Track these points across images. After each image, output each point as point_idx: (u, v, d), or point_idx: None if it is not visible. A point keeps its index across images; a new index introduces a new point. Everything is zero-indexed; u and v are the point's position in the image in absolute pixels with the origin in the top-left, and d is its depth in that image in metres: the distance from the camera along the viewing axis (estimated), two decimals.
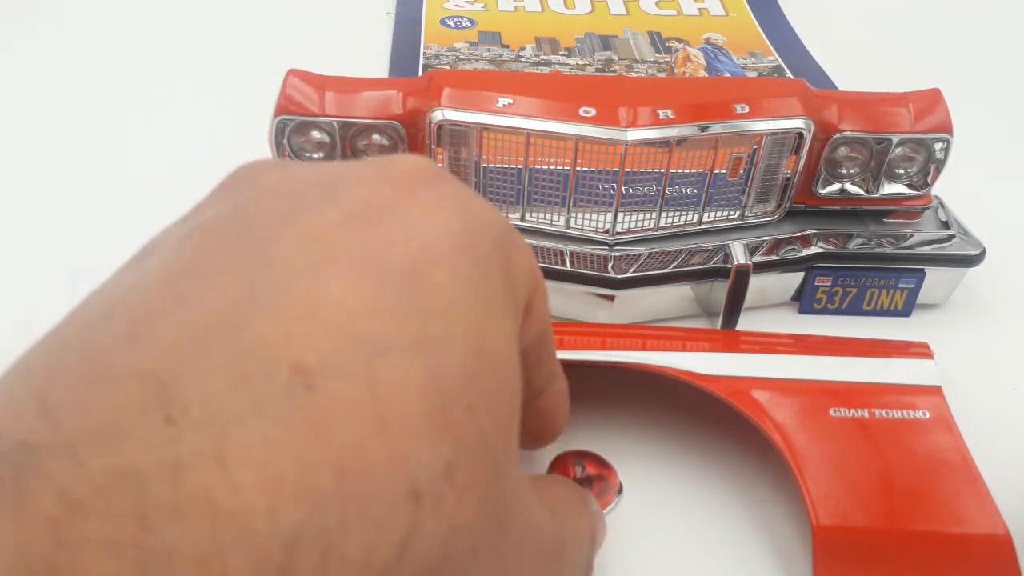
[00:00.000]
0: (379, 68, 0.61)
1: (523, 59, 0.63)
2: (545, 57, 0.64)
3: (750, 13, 0.72)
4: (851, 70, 0.63)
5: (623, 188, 0.37)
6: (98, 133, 0.52)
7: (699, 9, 0.72)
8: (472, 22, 0.68)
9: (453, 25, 0.68)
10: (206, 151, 0.51)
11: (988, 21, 0.75)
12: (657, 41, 0.67)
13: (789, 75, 0.63)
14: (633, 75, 0.62)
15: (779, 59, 0.65)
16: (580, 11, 0.71)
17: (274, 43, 0.63)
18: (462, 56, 0.63)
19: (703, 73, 0.63)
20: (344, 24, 0.57)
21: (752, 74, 0.63)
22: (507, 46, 0.65)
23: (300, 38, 0.64)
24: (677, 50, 0.66)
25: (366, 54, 0.62)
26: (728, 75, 0.63)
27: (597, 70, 0.62)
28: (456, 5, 0.71)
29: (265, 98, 0.38)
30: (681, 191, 0.38)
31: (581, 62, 0.63)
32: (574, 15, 0.71)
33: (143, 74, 0.59)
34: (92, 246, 0.43)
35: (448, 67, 0.61)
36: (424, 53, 0.63)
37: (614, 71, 0.62)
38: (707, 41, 0.68)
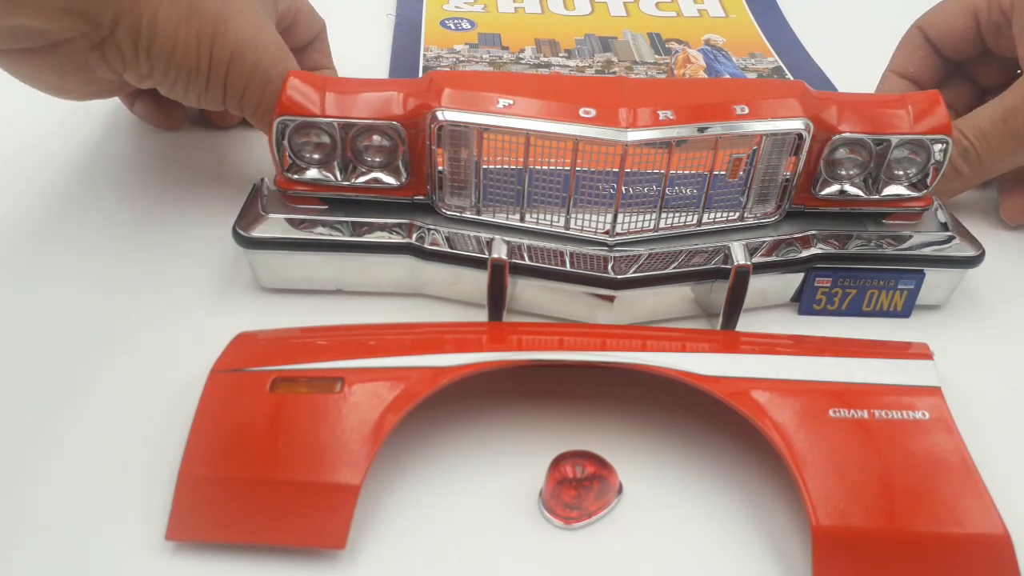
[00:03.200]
0: (379, 69, 0.61)
1: (523, 61, 0.63)
2: (545, 59, 0.64)
3: (750, 14, 0.72)
4: (851, 71, 0.63)
5: (623, 189, 0.37)
6: (91, 133, 0.52)
7: (699, 10, 0.73)
8: (472, 24, 0.68)
9: (453, 27, 0.68)
10: (204, 151, 0.51)
11: None
12: (657, 42, 0.67)
13: (789, 76, 0.63)
14: (633, 77, 0.62)
15: (779, 60, 0.65)
16: (580, 12, 0.71)
17: None
18: (462, 58, 0.63)
19: (703, 75, 0.63)
20: (344, 25, 0.57)
21: (752, 75, 0.63)
22: (507, 48, 0.65)
23: None
24: (677, 51, 0.66)
25: (366, 55, 0.62)
26: (727, 76, 0.63)
27: (597, 72, 0.62)
28: (456, 7, 0.71)
29: None
30: (681, 192, 0.38)
31: (581, 64, 0.63)
32: (574, 16, 0.71)
33: None
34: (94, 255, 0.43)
35: (447, 68, 0.61)
36: (424, 55, 0.63)
37: (614, 72, 0.62)
38: (707, 42, 0.68)
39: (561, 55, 0.65)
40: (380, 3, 0.70)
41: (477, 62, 0.62)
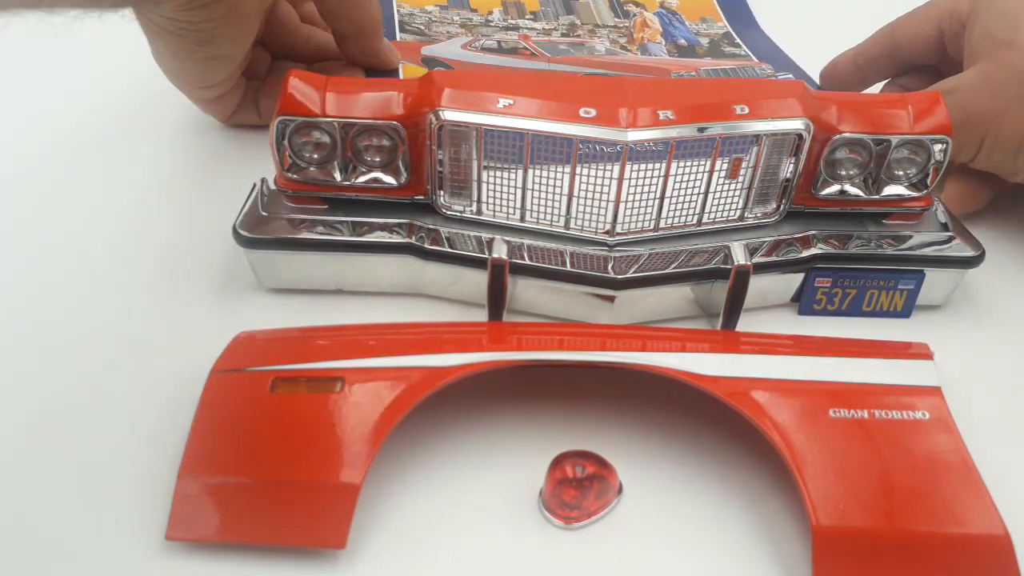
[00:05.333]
0: None
1: (491, 23, 0.65)
2: (512, 21, 0.66)
3: None
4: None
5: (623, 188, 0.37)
6: (89, 135, 0.52)
7: None
8: None
9: None
10: (204, 151, 0.51)
11: None
12: (616, 5, 0.69)
13: (738, 40, 0.65)
14: (596, 40, 0.64)
15: (728, 26, 0.67)
16: None
17: None
18: (434, 18, 0.65)
19: (660, 39, 0.65)
20: None
21: (704, 40, 0.65)
22: (476, 11, 0.67)
23: None
24: (635, 15, 0.68)
25: None
26: (683, 40, 0.65)
27: (562, 35, 0.64)
28: None
29: None
30: (681, 191, 0.38)
31: (547, 26, 0.65)
32: None
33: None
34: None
35: (422, 26, 0.63)
36: (398, 11, 0.65)
37: (578, 36, 0.64)
38: (662, 5, 0.69)
39: (527, 17, 0.67)
40: None
41: (449, 24, 0.65)
